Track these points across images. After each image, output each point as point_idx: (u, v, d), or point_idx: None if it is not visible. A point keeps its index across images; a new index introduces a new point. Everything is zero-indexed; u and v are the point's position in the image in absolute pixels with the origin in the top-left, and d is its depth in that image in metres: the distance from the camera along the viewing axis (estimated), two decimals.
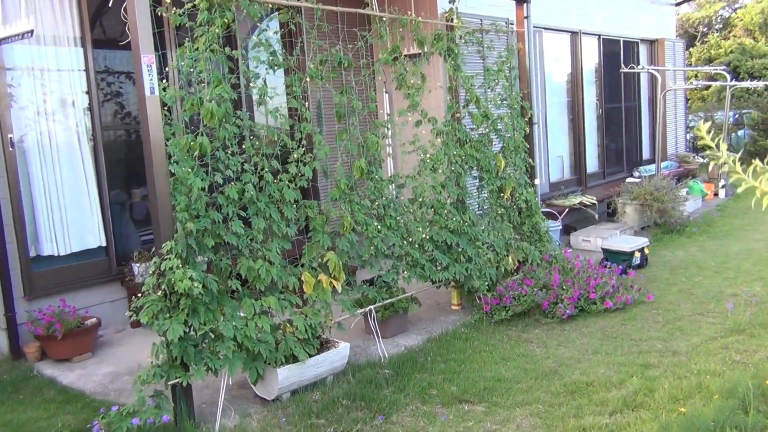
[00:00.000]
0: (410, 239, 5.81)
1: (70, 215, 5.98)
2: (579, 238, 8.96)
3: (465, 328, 6.06)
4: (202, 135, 4.40)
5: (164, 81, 4.35)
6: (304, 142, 5.09)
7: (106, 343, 5.93)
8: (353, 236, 5.37)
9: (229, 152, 4.64)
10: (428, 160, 6.22)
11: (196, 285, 4.02)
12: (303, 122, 5.12)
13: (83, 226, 6.08)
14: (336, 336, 5.19)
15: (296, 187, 5.04)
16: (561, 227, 8.68)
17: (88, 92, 6.15)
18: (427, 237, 6.00)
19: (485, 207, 6.86)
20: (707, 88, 21.07)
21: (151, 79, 4.13)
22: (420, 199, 6.03)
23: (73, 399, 4.86)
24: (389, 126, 5.96)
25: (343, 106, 5.52)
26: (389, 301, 5.70)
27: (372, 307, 5.51)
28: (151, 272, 4.23)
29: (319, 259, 5.17)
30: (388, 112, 7.92)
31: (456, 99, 6.76)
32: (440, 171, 6.30)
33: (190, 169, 4.35)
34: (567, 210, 8.93)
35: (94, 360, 5.61)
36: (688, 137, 14.52)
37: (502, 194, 7.00)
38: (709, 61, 23.83)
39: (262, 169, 4.83)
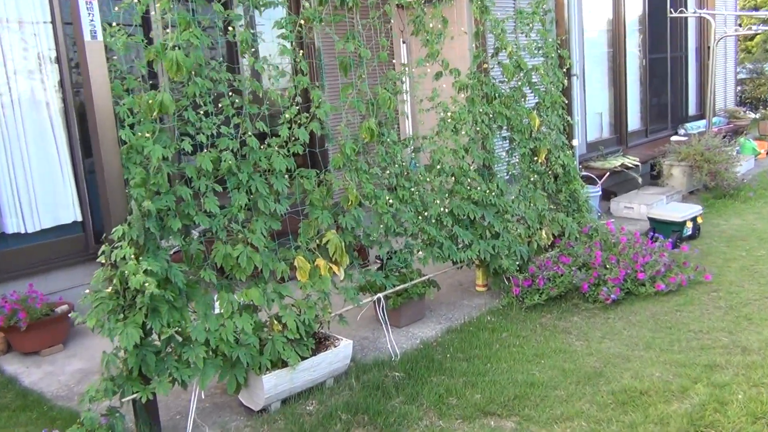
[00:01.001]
0: (426, 213, 4.87)
1: (38, 187, 5.15)
2: (620, 204, 7.91)
3: (491, 316, 5.14)
4: (164, 91, 3.48)
5: (116, 25, 3.43)
6: (299, 99, 4.14)
7: (82, 333, 5.14)
8: (360, 212, 4.45)
9: (202, 112, 3.72)
10: (449, 119, 5.23)
11: (149, 282, 3.15)
12: (298, 75, 4.16)
13: (55, 199, 5.24)
14: (338, 330, 4.33)
15: (289, 153, 4.11)
16: (600, 193, 7.64)
17: (56, 47, 5.23)
18: (446, 210, 5.05)
19: (515, 173, 5.85)
20: (752, 38, 19.49)
21: (92, 21, 3.20)
22: (438, 166, 5.05)
23: (32, 405, 4.09)
24: (404, 79, 4.95)
25: (348, 56, 4.54)
26: (402, 287, 4.80)
27: (381, 295, 4.61)
28: (102, 262, 3.38)
29: (317, 241, 4.27)
30: (406, 63, 6.89)
31: (483, 47, 5.71)
32: (463, 132, 5.31)
33: (148, 134, 3.44)
34: (607, 173, 7.86)
35: (66, 353, 4.83)
36: (737, 90, 13.16)
37: (535, 158, 5.99)
38: (755, 9, 22.04)
39: (245, 132, 3.91)
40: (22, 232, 5.06)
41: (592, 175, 7.67)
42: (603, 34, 9.58)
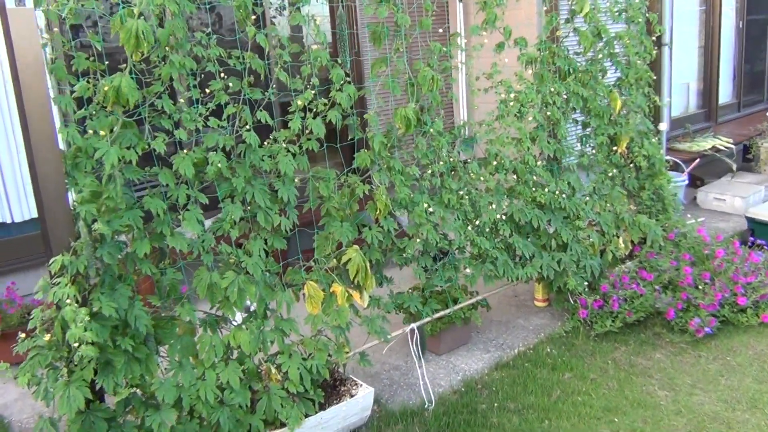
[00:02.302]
0: (477, 222, 3.86)
1: (26, 171, 4.37)
2: (709, 195, 6.65)
3: (552, 346, 4.13)
4: (124, 75, 2.56)
5: None
6: (315, 80, 3.16)
7: None
8: (391, 223, 3.48)
9: (183, 100, 2.80)
10: (512, 102, 4.15)
11: (88, 335, 2.31)
12: (313, 49, 3.18)
13: None
14: (359, 373, 3.44)
15: (301, 152, 3.18)
16: (687, 182, 6.40)
17: None
18: (504, 217, 4.02)
19: (588, 165, 4.72)
20: None
21: None
22: (495, 162, 4.00)
23: None
24: (455, 52, 3.88)
25: (381, 23, 3.52)
26: (443, 314, 3.84)
27: (415, 325, 3.68)
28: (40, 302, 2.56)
29: (335, 260, 3.35)
30: (463, 32, 5.76)
31: (555, 9, 4.56)
32: (530, 117, 4.22)
33: (103, 132, 2.55)
34: (697, 159, 6.58)
35: None
36: None
37: (615, 148, 4.84)
38: None
39: (242, 125, 2.98)
40: (8, 221, 4.32)
41: (677, 160, 6.42)
42: None
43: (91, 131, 2.53)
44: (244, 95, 2.99)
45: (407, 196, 3.53)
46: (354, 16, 5.08)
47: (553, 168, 4.44)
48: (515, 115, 4.15)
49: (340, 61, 3.29)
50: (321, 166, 3.41)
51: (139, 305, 2.60)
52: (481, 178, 3.93)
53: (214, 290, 2.82)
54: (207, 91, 2.88)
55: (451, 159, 3.81)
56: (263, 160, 3.04)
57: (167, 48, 2.69)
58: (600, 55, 4.71)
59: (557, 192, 4.26)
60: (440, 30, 3.70)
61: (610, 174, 4.77)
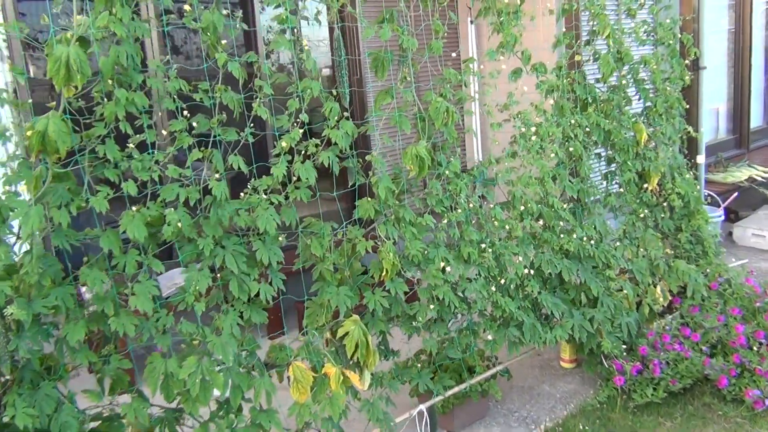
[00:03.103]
0: (502, 279, 3.23)
1: None
2: (747, 231, 5.98)
3: (584, 421, 3.46)
4: (55, 116, 1.96)
5: None
6: (303, 116, 2.56)
7: None
8: (400, 285, 2.85)
9: (134, 145, 2.19)
10: (533, 137, 3.54)
11: None
12: (304, 78, 2.59)
13: None
14: None
15: (288, 203, 2.56)
16: (723, 218, 5.75)
17: None
18: (531, 271, 3.39)
19: (616, 206, 4.09)
20: None
21: None
22: (522, 207, 3.37)
23: None
24: (468, 79, 3.27)
25: (383, 48, 2.93)
26: (457, 389, 3.19)
27: (425, 407, 3.02)
28: None
29: (330, 331, 2.72)
30: (475, 55, 5.19)
31: (576, 30, 3.98)
32: (551, 153, 3.61)
33: (24, 189, 1.94)
34: (735, 194, 5.92)
35: None
36: None
37: (645, 185, 4.22)
38: None
39: (217, 171, 2.38)
40: None
41: (712, 193, 5.77)
42: (723, 8, 7.52)
43: (6, 187, 1.92)
44: (215, 137, 2.38)
45: (420, 252, 2.90)
46: (355, 39, 4.52)
47: (576, 210, 3.82)
48: (537, 150, 3.53)
49: (336, 93, 2.69)
50: (315, 217, 2.79)
51: (70, 409, 1.96)
52: (506, 226, 3.30)
53: (170, 383, 2.18)
54: (166, 132, 2.28)
55: (471, 205, 3.19)
56: (238, 215, 2.42)
57: (111, 81, 2.08)
58: (623, 82, 4.10)
59: (584, 238, 3.64)
60: (453, 54, 3.11)
61: (640, 215, 4.14)
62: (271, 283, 2.49)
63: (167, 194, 2.23)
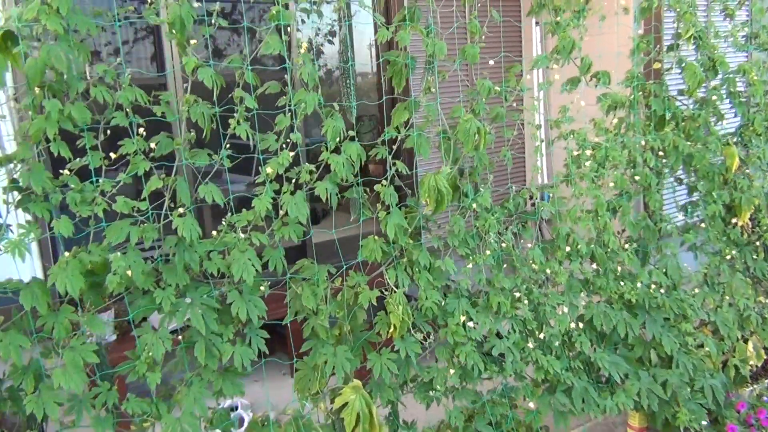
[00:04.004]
0: (542, 334, 2.72)
1: None
2: None
3: None
4: None
5: None
6: (298, 136, 2.14)
7: None
8: (413, 344, 2.38)
9: (70, 171, 1.82)
10: (587, 161, 3.01)
11: None
12: (299, 90, 2.17)
13: None
14: None
15: (273, 243, 2.15)
16: None
17: None
18: (581, 324, 2.86)
19: (696, 245, 3.49)
20: None
21: None
22: (568, 247, 2.85)
23: None
24: (516, 89, 2.77)
25: (401, 52, 2.48)
26: None
27: None
28: None
29: (325, 401, 2.27)
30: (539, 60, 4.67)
31: (656, 33, 3.43)
32: (611, 180, 3.08)
33: None
34: None
35: None
36: None
37: (734, 219, 3.61)
38: None
39: (180, 204, 1.98)
40: None
41: None
42: None
43: None
44: (180, 161, 1.99)
45: (437, 304, 2.42)
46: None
47: (645, 251, 3.26)
48: (592, 178, 3.00)
49: (338, 107, 2.26)
50: (308, 258, 2.35)
51: None
52: (547, 270, 2.79)
53: None
54: (117, 155, 1.90)
55: (504, 245, 2.69)
56: (209, 259, 2.01)
57: (38, 90, 1.71)
58: (714, 96, 3.51)
59: (652, 286, 3.08)
60: (491, 62, 2.62)
61: (727, 256, 3.53)
62: (250, 344, 2.07)
63: (114, 235, 1.84)
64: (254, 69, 2.10)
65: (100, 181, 1.84)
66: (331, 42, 4.96)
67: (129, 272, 1.81)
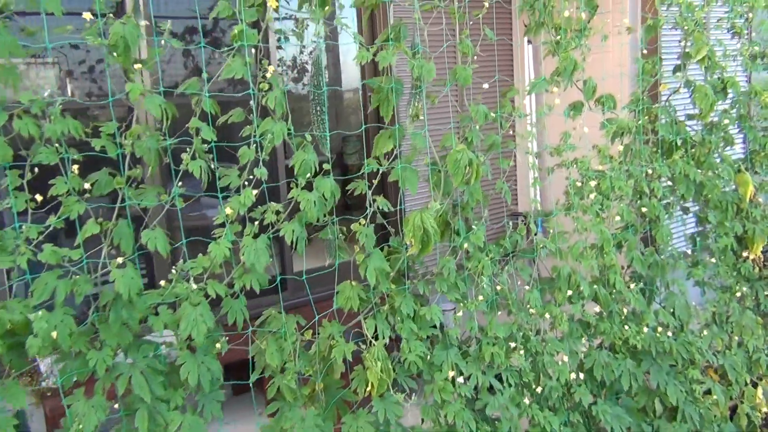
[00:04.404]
0: (538, 387, 2.43)
1: None
2: None
3: None
4: None
5: None
6: (260, 171, 1.86)
7: None
8: (393, 405, 2.09)
9: None
10: (591, 193, 2.74)
11: None
12: (266, 119, 1.89)
13: None
14: None
15: (233, 293, 1.87)
16: None
17: None
18: (580, 375, 2.58)
19: (703, 280, 3.22)
20: None
21: None
22: (569, 289, 2.57)
23: None
24: (504, 117, 2.50)
25: (384, 75, 2.20)
26: None
27: None
28: None
29: None
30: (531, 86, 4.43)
31: (659, 53, 3.17)
32: (616, 213, 2.81)
33: None
34: None
35: None
36: None
37: (745, 253, 3.34)
38: None
39: (121, 255, 1.70)
40: None
41: None
42: None
43: None
44: (123, 203, 1.71)
45: (422, 357, 2.14)
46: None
47: (650, 289, 2.98)
48: (596, 211, 2.73)
49: (311, 138, 1.98)
50: (274, 305, 2.07)
51: None
52: (546, 315, 2.51)
53: None
54: (48, 196, 1.62)
55: (498, 287, 2.42)
56: (155, 314, 1.73)
57: None
58: (725, 120, 3.25)
59: (659, 329, 2.81)
60: (485, 85, 2.35)
61: (737, 293, 3.26)
62: (203, 413, 1.79)
63: (40, 291, 1.56)
64: (217, 96, 1.83)
65: (24, 227, 1.56)
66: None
67: (54, 334, 1.53)
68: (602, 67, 2.93)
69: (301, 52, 4.54)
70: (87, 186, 1.62)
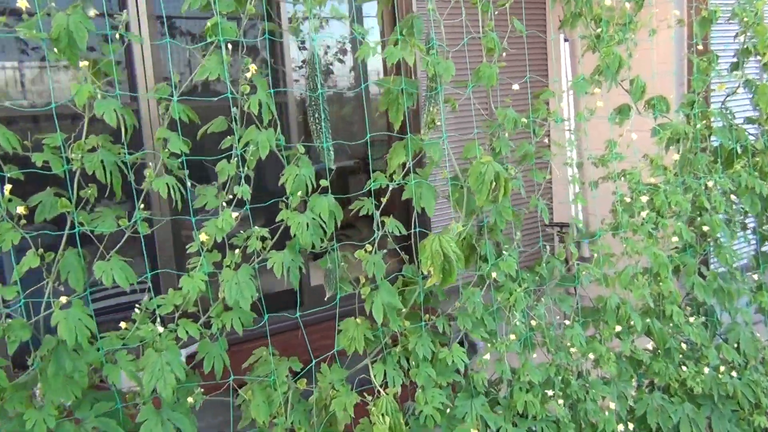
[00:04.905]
0: None
1: None
2: None
3: None
4: None
5: None
6: (242, 189, 1.54)
7: None
8: None
9: None
10: (644, 209, 2.34)
11: None
12: (249, 127, 1.58)
13: None
14: None
15: (210, 334, 1.55)
16: None
17: None
18: (630, 426, 2.17)
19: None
20: None
21: None
22: (623, 321, 2.18)
23: None
24: (538, 123, 2.13)
25: (393, 75, 1.87)
26: None
27: None
28: None
29: None
30: (568, 89, 4.04)
31: (712, 51, 2.77)
32: (672, 233, 2.41)
33: None
34: None
35: None
36: None
37: None
38: None
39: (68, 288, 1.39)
40: None
41: None
42: None
43: None
44: (73, 229, 1.41)
45: (440, 408, 1.78)
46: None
47: (712, 321, 2.56)
48: (647, 232, 2.33)
49: (304, 150, 1.65)
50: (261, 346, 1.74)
51: None
52: (590, 355, 2.12)
53: None
54: None
55: (533, 322, 2.04)
56: (113, 362, 1.42)
57: None
58: None
59: (721, 368, 2.39)
60: (515, 86, 1.99)
61: None
62: None
63: None
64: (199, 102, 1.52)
65: None
66: (341, 61, 4.40)
67: None
68: (647, 65, 2.55)
69: (326, 53, 4.26)
70: (21, 210, 1.32)
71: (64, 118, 1.48)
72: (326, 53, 4.33)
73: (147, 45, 2.97)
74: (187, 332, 1.48)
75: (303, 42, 4.40)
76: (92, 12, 1.36)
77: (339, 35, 4.23)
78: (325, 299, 1.75)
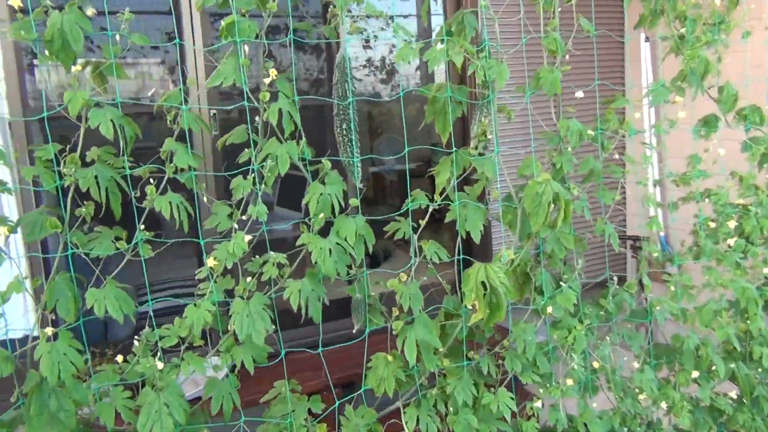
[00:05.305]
0: None
1: None
2: None
3: None
4: None
5: None
6: (261, 207, 1.36)
7: None
8: None
9: None
10: (730, 233, 2.02)
11: None
12: (269, 139, 1.39)
13: None
14: None
15: (221, 368, 1.37)
16: None
17: None
18: None
19: None
20: None
21: None
22: (703, 365, 1.87)
23: None
24: (608, 136, 1.85)
25: (441, 83, 1.64)
26: None
27: None
28: None
29: None
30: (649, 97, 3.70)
31: None
32: (763, 263, 2.06)
33: None
34: None
35: None
36: None
37: None
38: None
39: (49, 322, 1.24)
40: None
41: None
42: None
43: None
44: (67, 252, 1.26)
45: None
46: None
47: None
48: (735, 262, 1.99)
49: (328, 164, 1.45)
50: (267, 384, 1.54)
51: None
52: (663, 403, 1.81)
53: None
54: None
55: (596, 364, 1.76)
56: (101, 400, 1.26)
57: None
58: None
59: None
60: (579, 93, 1.72)
61: None
62: None
63: None
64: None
65: None
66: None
67: None
68: (736, 70, 2.21)
69: (391, 52, 4.08)
70: (3, 231, 1.17)
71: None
72: (391, 52, 4.15)
73: (200, 48, 2.86)
74: (188, 368, 1.30)
75: (367, 41, 4.22)
76: (90, 11, 1.20)
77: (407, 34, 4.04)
78: (354, 332, 1.55)
